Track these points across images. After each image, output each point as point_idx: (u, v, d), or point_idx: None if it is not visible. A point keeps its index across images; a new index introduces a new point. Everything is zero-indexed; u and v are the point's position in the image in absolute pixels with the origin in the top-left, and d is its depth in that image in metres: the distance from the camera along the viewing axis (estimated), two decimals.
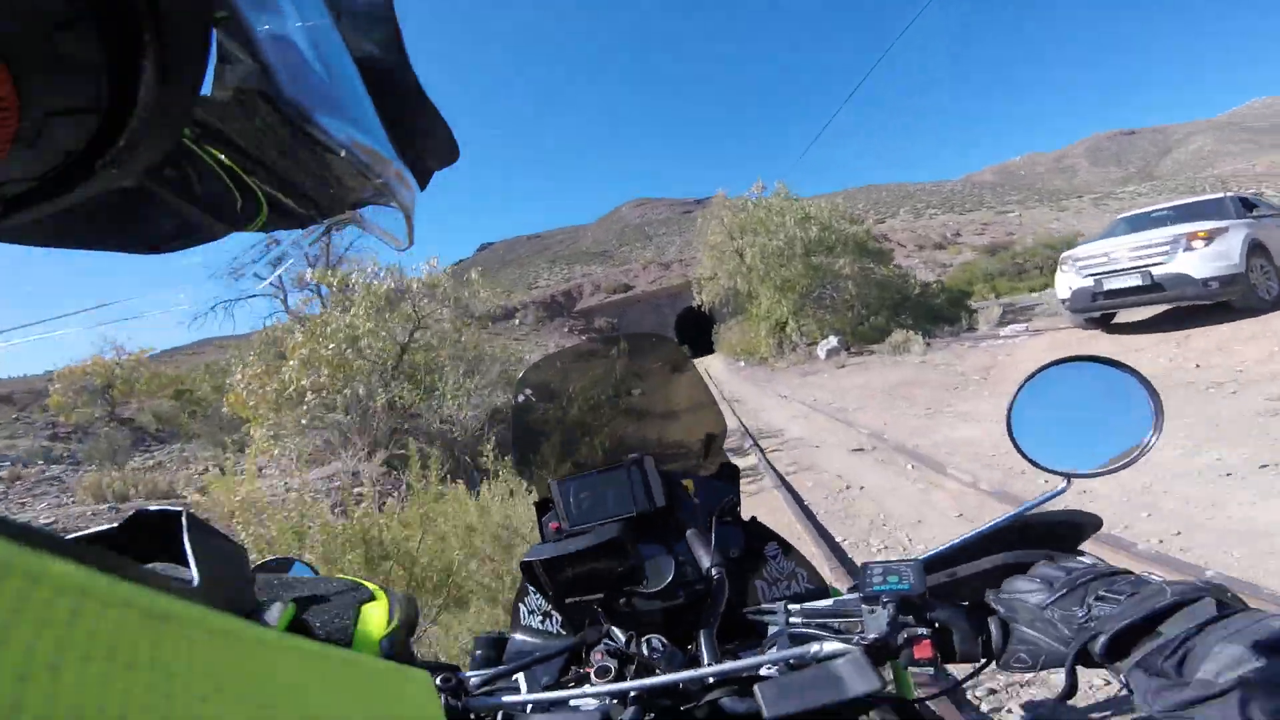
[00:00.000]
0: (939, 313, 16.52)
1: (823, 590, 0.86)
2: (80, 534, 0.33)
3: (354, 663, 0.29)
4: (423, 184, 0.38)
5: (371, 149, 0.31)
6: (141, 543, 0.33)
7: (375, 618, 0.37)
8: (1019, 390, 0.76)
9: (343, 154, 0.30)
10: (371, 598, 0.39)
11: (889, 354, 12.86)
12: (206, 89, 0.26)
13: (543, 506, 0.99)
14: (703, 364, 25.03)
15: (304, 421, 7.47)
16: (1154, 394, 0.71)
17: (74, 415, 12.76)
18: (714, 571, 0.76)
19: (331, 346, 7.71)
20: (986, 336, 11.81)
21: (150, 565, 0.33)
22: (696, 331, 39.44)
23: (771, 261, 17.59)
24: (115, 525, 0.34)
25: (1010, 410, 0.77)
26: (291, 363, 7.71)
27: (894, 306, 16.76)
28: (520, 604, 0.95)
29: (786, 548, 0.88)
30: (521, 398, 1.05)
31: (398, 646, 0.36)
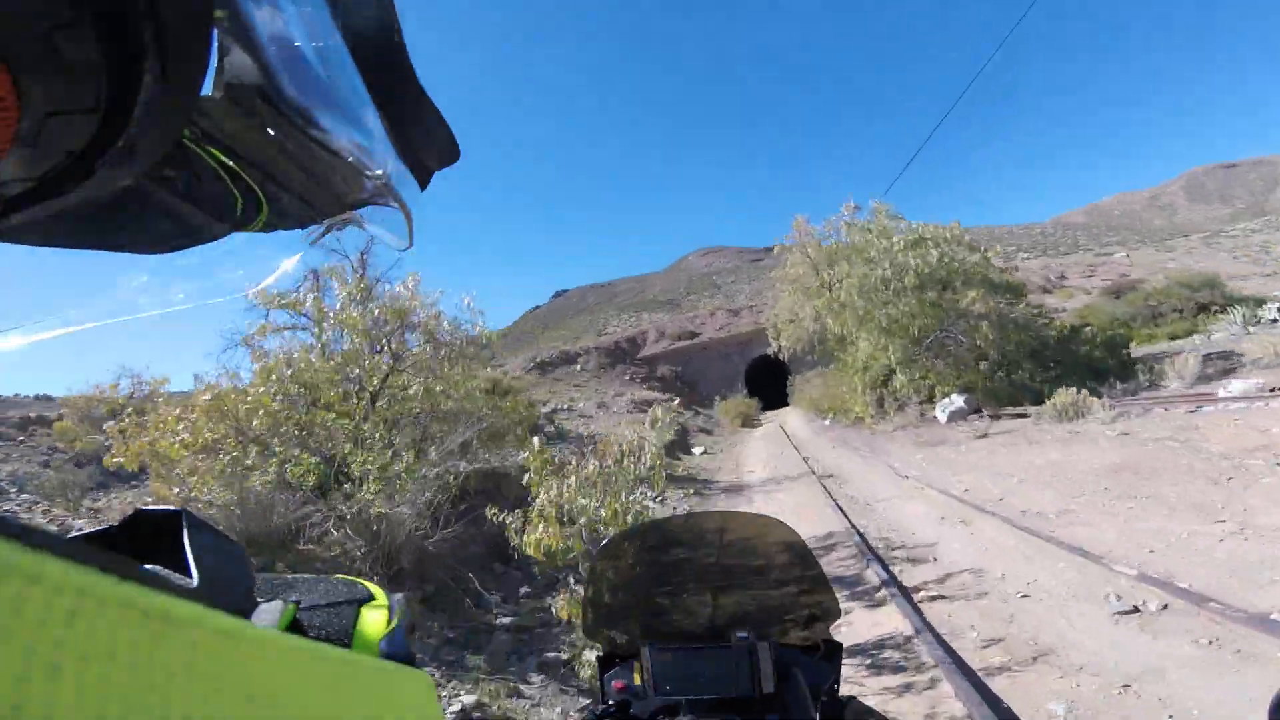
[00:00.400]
0: (1096, 364, 12.44)
1: None
2: (80, 534, 0.33)
3: (354, 663, 0.29)
4: (423, 184, 0.38)
5: (372, 149, 0.31)
6: (141, 543, 0.33)
7: (375, 618, 0.37)
8: None
9: (343, 154, 0.30)
10: (371, 598, 0.39)
11: (1052, 420, 9.42)
12: (206, 89, 0.26)
13: (607, 661, 0.95)
14: (778, 419, 24.76)
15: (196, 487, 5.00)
16: None
17: (76, 443, 11.98)
18: None
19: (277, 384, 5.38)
20: (1193, 397, 8.71)
21: (150, 565, 0.32)
22: (769, 381, 37.67)
23: (874, 297, 13.43)
24: (115, 525, 0.34)
25: None
26: (204, 398, 5.32)
27: (1033, 355, 12.79)
28: None
29: None
30: (602, 559, 1.00)
31: (397, 647, 0.36)
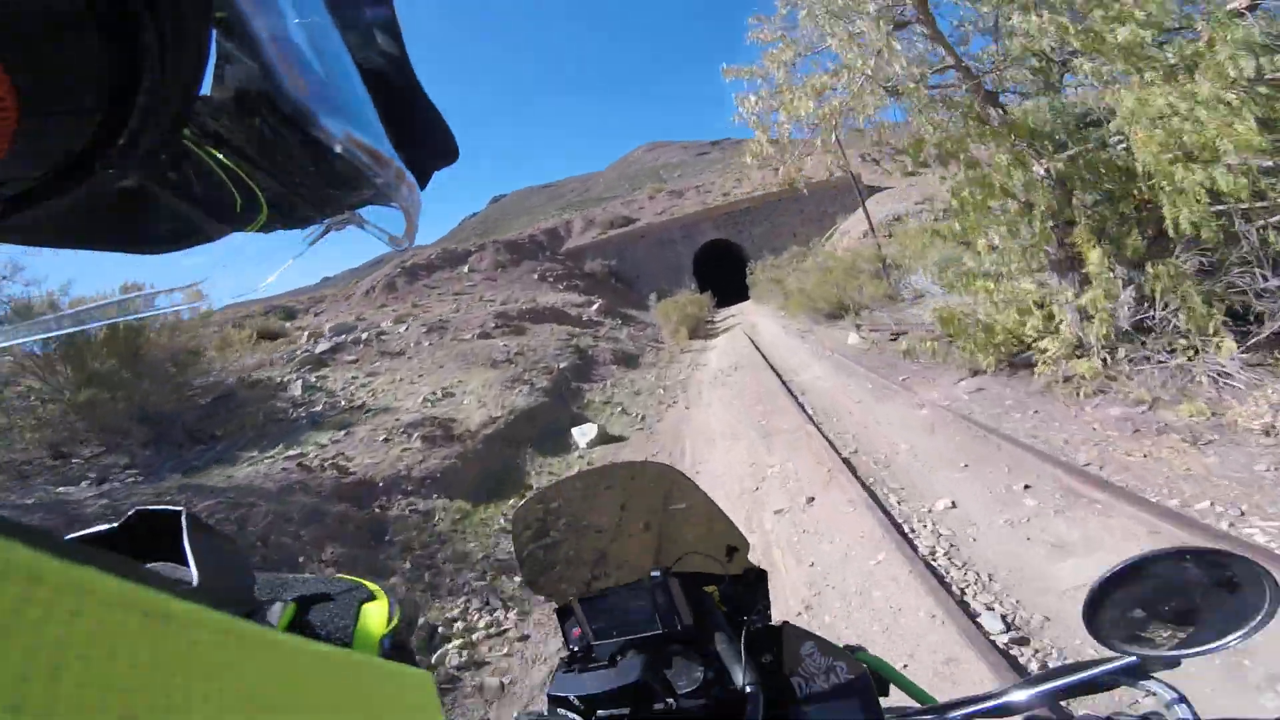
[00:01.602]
0: None
1: (865, 680, 0.82)
2: (80, 534, 0.33)
3: (354, 663, 0.29)
4: (423, 184, 0.38)
5: (371, 149, 0.31)
6: (141, 542, 0.33)
7: (375, 617, 0.37)
8: (1104, 579, 0.71)
9: (343, 154, 0.30)
10: (371, 597, 0.39)
11: None
12: (206, 89, 0.26)
13: (564, 613, 0.99)
14: (738, 320, 20.09)
15: None
16: (1273, 587, 0.67)
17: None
18: (748, 687, 0.76)
19: None
20: None
21: (150, 565, 0.33)
22: (721, 271, 33.54)
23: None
24: (115, 525, 0.34)
25: (1091, 596, 0.71)
26: None
27: None
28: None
29: (825, 644, 0.85)
30: (518, 526, 1.04)
31: (398, 646, 0.36)
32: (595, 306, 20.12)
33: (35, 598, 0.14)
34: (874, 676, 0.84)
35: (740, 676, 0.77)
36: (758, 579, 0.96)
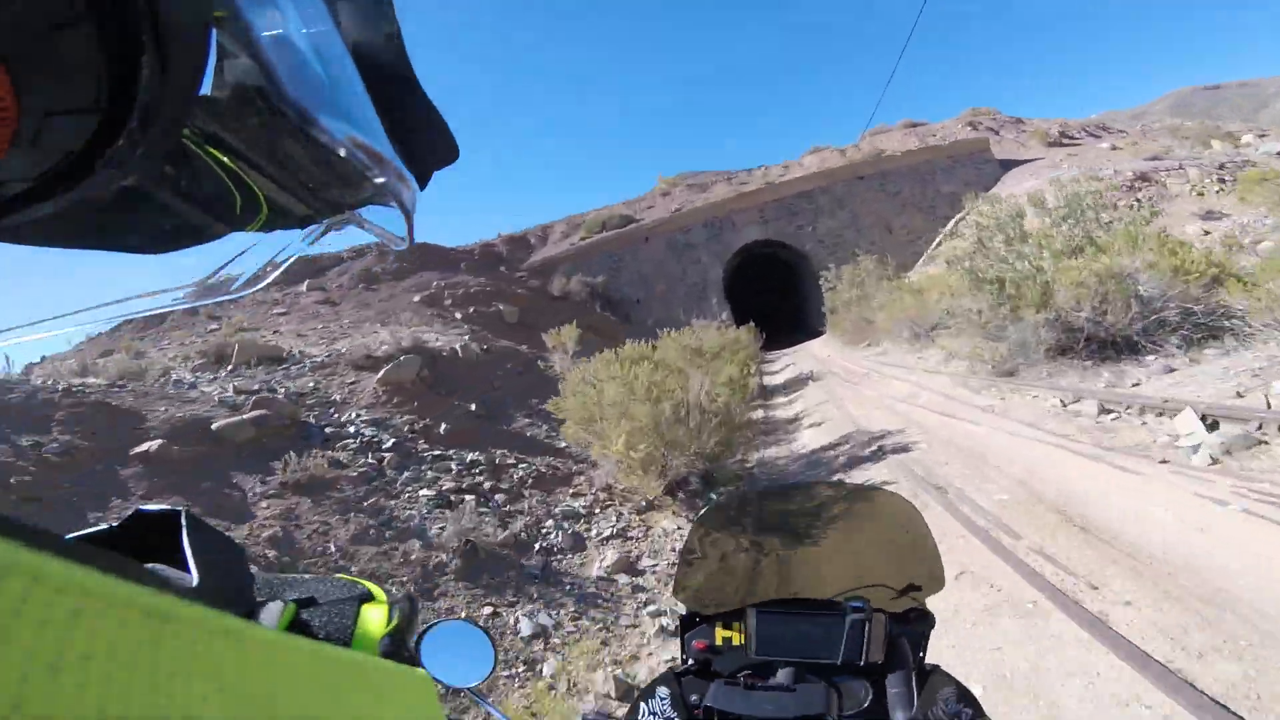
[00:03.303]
0: None
1: None
2: (80, 534, 0.33)
3: (354, 663, 0.29)
4: (423, 184, 0.38)
5: (371, 149, 0.31)
6: (141, 542, 0.33)
7: (375, 618, 0.37)
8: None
9: (343, 154, 0.30)
10: (371, 597, 0.39)
11: None
12: (206, 89, 0.26)
13: (688, 622, 0.96)
14: (826, 379, 12.66)
15: None
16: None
17: None
18: None
19: None
20: None
21: (150, 565, 0.33)
22: (769, 290, 25.99)
23: None
24: (114, 525, 0.34)
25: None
26: None
27: None
28: (643, 704, 0.89)
29: (964, 693, 0.85)
30: (703, 523, 1.01)
31: (398, 647, 0.36)
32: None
33: (35, 598, 0.14)
34: None
35: (900, 717, 0.76)
36: (923, 619, 0.93)
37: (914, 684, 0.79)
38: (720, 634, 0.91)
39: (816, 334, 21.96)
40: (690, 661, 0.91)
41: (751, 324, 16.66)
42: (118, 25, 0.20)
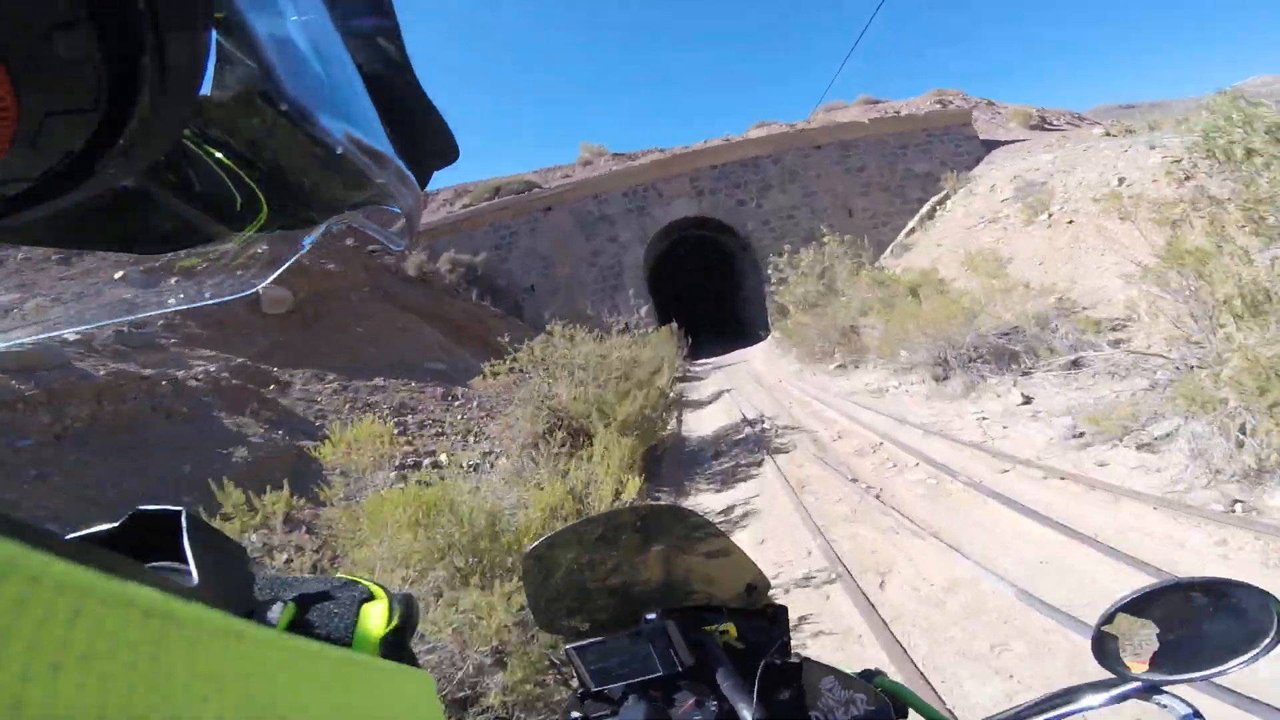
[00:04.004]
0: None
1: (884, 711, 0.83)
2: (80, 534, 0.33)
3: (354, 663, 0.29)
4: (423, 184, 0.38)
5: (372, 149, 0.31)
6: (141, 542, 0.33)
7: (375, 617, 0.37)
8: (1112, 609, 0.73)
9: (343, 154, 0.30)
10: (371, 597, 0.39)
11: None
12: (206, 89, 0.26)
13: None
14: (754, 369, 12.77)
15: None
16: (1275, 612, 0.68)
17: None
18: None
19: None
20: None
21: (150, 565, 0.33)
22: (703, 280, 21.80)
23: None
24: (114, 525, 0.34)
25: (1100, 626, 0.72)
26: None
27: None
28: None
29: (844, 677, 0.85)
30: (527, 569, 1.02)
31: (398, 646, 0.36)
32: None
33: (35, 598, 0.14)
34: (891, 700, 0.84)
35: (748, 712, 0.76)
36: (776, 615, 0.95)
37: (758, 678, 0.80)
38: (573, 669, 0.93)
39: (757, 339, 17.20)
40: (581, 691, 0.94)
41: (674, 325, 13.55)
42: (118, 25, 0.20)
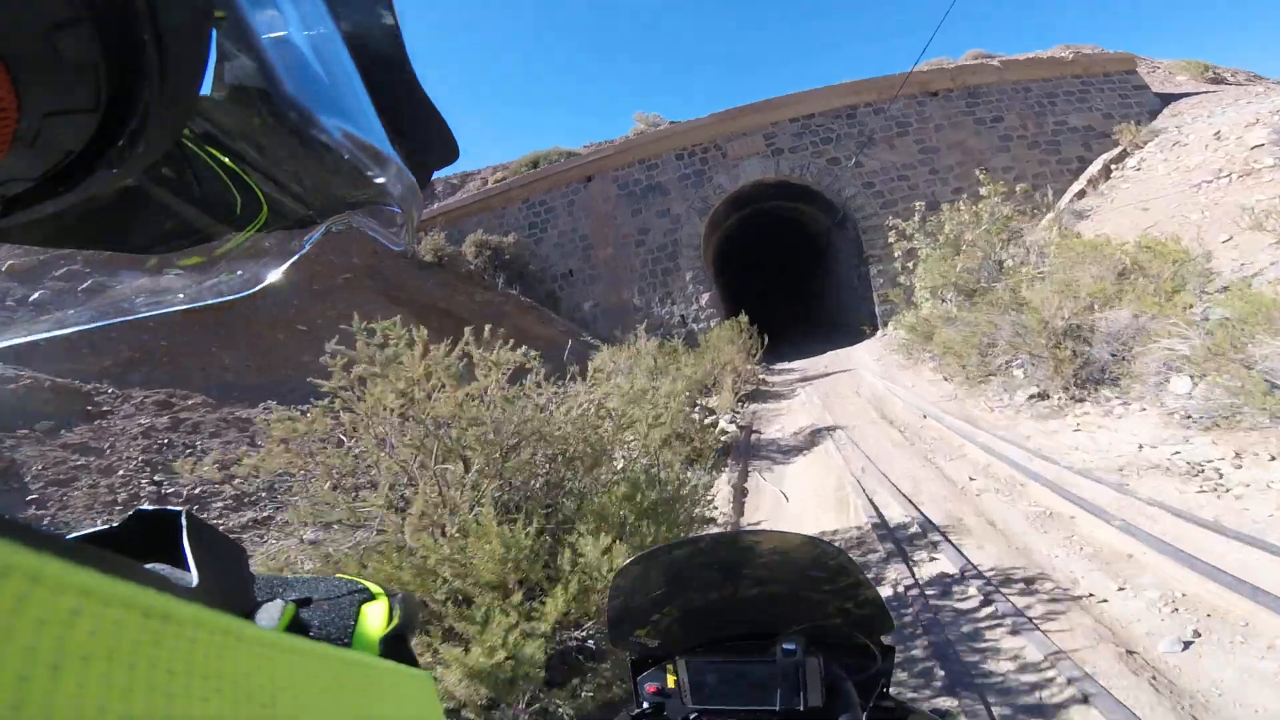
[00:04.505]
0: None
1: None
2: (80, 534, 0.33)
3: (354, 663, 0.29)
4: (423, 184, 0.38)
5: (371, 148, 0.31)
6: (141, 542, 0.33)
7: (375, 618, 0.37)
8: None
9: (343, 154, 0.30)
10: (371, 597, 0.39)
11: None
12: (206, 89, 0.26)
13: (639, 665, 0.94)
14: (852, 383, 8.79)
15: None
16: None
17: None
18: None
19: None
20: None
21: (150, 565, 0.33)
22: (784, 265, 17.55)
23: None
24: (114, 525, 0.34)
25: None
26: None
27: None
28: None
29: None
30: (630, 571, 0.96)
31: (398, 647, 0.36)
32: None
33: (35, 598, 0.14)
34: None
35: None
36: (884, 654, 0.90)
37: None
38: (671, 678, 0.88)
39: (857, 337, 13.31)
40: (645, 705, 0.89)
41: (744, 319, 10.65)
42: (118, 25, 0.20)
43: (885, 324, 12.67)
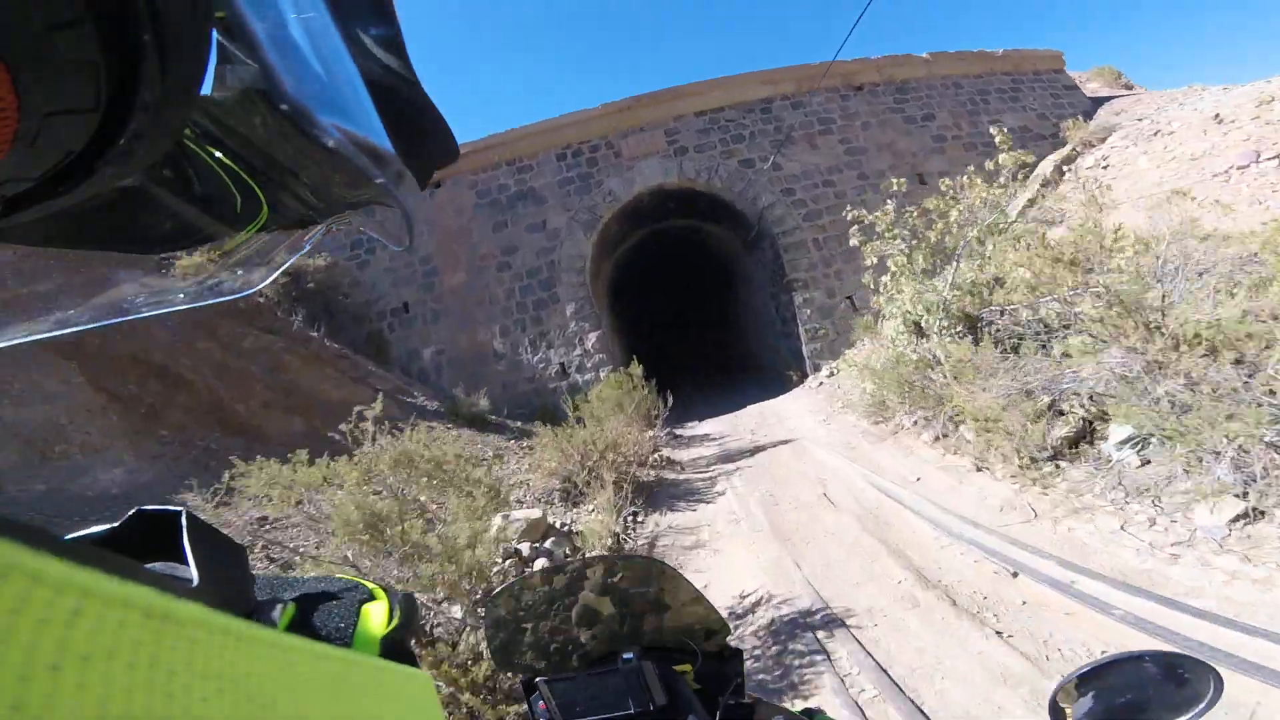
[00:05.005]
0: None
1: None
2: (80, 534, 0.33)
3: (354, 663, 0.29)
4: (423, 184, 0.38)
5: (372, 148, 0.31)
6: (141, 542, 0.33)
7: (375, 618, 0.37)
8: (1070, 677, 0.79)
9: (343, 154, 0.30)
10: (372, 597, 0.39)
11: None
12: (206, 89, 0.26)
13: (529, 687, 1.01)
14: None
15: None
16: (1216, 680, 0.77)
17: None
18: None
19: None
20: None
21: (150, 565, 0.33)
22: (685, 293, 15.70)
23: None
24: (115, 525, 0.34)
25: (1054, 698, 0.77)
26: None
27: None
28: None
29: (792, 716, 0.90)
30: (494, 606, 1.06)
31: (398, 646, 0.36)
32: None
33: (35, 598, 0.14)
34: None
35: None
36: (732, 657, 0.99)
37: (719, 718, 0.84)
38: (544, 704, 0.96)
39: (782, 383, 10.84)
40: None
41: (640, 371, 7.69)
42: (118, 25, 0.20)
43: (817, 368, 10.18)
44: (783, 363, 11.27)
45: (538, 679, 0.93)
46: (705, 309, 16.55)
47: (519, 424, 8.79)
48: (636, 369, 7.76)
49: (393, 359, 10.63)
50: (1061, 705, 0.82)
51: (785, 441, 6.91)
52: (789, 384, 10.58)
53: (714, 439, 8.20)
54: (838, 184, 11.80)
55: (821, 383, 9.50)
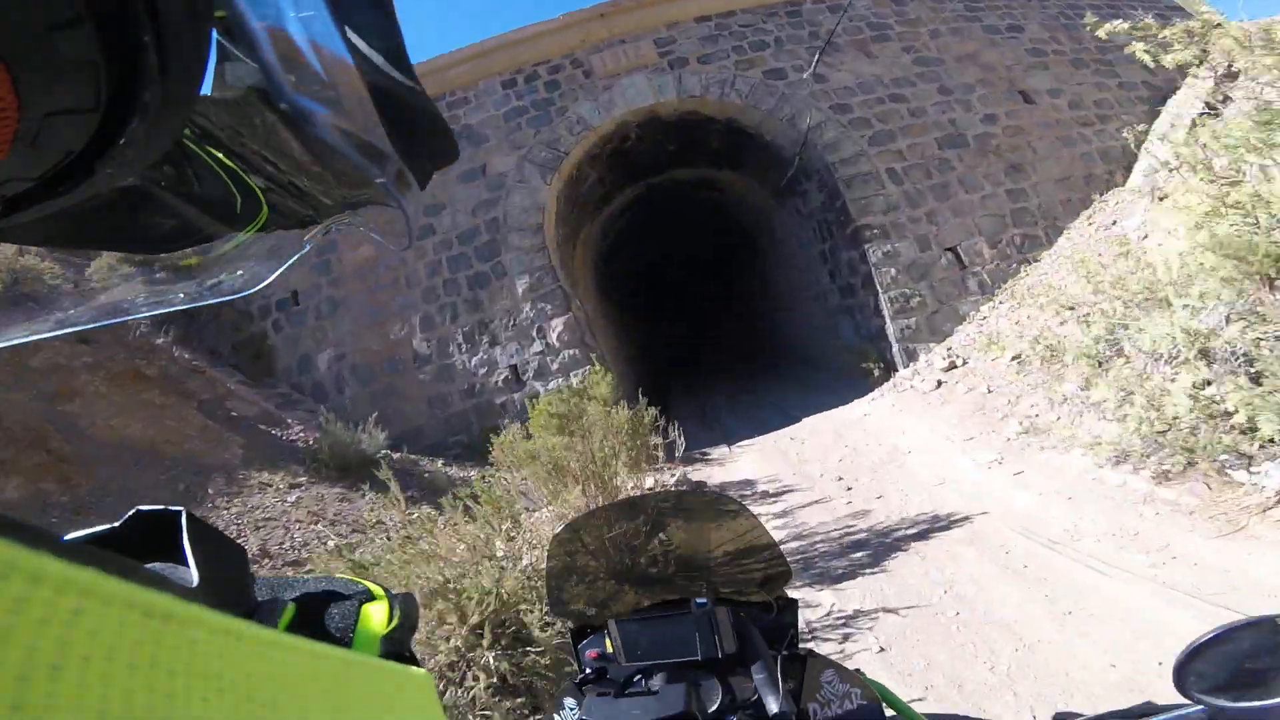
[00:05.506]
0: None
1: (875, 707, 0.86)
2: (80, 534, 0.33)
3: (354, 663, 0.29)
4: (422, 184, 0.38)
5: (372, 149, 0.31)
6: (141, 542, 0.33)
7: (376, 618, 0.37)
8: (1198, 641, 0.74)
9: (343, 154, 0.30)
10: (372, 598, 0.39)
11: None
12: (206, 89, 0.26)
13: (579, 634, 1.01)
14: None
15: None
16: None
17: None
18: (782, 714, 0.78)
19: None
20: None
21: (150, 565, 0.33)
22: (701, 277, 12.14)
23: None
24: (115, 525, 0.34)
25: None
26: None
27: None
28: (555, 716, 0.93)
29: (844, 672, 0.89)
30: (560, 542, 1.05)
31: (398, 646, 0.36)
32: None
33: (35, 598, 0.14)
34: None
35: (775, 704, 0.79)
36: (789, 607, 0.98)
37: (779, 670, 0.84)
38: (609, 643, 0.95)
39: (851, 382, 7.44)
40: (589, 670, 0.95)
41: (606, 379, 5.23)
42: (118, 25, 0.20)
43: (911, 354, 6.86)
44: (846, 350, 7.98)
45: (610, 618, 0.92)
46: (726, 285, 12.82)
47: (441, 464, 6.03)
48: (604, 381, 5.08)
49: (278, 370, 7.69)
50: (1187, 667, 0.78)
51: (948, 521, 3.39)
52: (866, 380, 7.05)
53: (760, 491, 4.68)
54: (911, 100, 8.50)
55: (940, 380, 5.71)
